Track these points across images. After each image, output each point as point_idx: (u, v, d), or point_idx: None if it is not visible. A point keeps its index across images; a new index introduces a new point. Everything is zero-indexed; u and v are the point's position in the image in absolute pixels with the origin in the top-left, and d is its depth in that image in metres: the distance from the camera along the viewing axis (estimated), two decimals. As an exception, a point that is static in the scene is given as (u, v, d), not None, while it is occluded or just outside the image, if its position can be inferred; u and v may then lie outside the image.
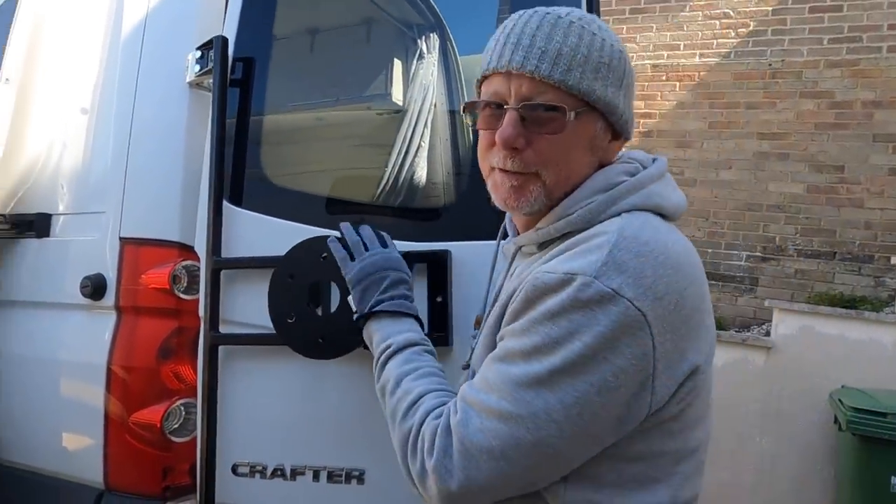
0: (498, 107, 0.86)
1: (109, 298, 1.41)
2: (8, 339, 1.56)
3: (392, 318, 1.03)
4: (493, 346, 0.86)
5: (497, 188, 0.89)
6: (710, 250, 4.30)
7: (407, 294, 1.07)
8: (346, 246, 1.11)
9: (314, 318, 1.20)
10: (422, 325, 1.06)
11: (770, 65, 4.24)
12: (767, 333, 3.65)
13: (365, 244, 1.10)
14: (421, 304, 1.20)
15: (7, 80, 1.54)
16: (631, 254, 0.76)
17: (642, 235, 0.79)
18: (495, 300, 0.95)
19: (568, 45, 0.82)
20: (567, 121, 0.83)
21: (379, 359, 0.99)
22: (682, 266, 0.79)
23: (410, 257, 1.20)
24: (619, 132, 0.90)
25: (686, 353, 0.78)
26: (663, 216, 0.86)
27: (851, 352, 3.32)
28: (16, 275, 1.59)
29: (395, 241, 1.17)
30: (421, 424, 0.85)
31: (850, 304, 3.69)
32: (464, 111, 0.93)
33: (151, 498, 1.37)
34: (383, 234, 1.15)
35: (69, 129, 1.58)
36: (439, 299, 1.22)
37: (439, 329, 1.22)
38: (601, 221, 0.83)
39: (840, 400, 2.91)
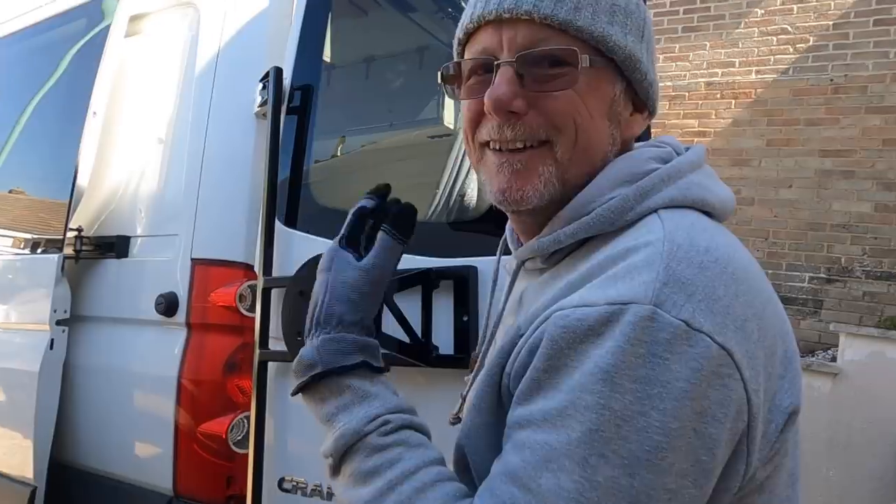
0: (487, 70, 0.65)
1: (181, 315, 1.50)
2: (90, 352, 1.68)
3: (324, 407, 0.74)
4: (491, 409, 0.63)
5: (492, 176, 0.66)
6: (769, 271, 4.15)
7: (332, 349, 0.74)
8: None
9: None
10: (368, 364, 0.73)
11: (832, 80, 4.10)
12: (833, 359, 3.49)
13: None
14: (447, 325, 1.19)
15: (95, 113, 1.68)
16: (693, 267, 0.54)
17: (698, 241, 0.57)
18: (493, 335, 0.75)
19: None
20: (579, 70, 0.63)
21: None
22: (753, 279, 0.59)
23: (434, 274, 1.18)
24: (642, 101, 0.70)
25: (777, 395, 0.59)
26: (708, 215, 0.65)
27: (927, 380, 3.15)
28: (98, 292, 1.72)
29: (434, 258, 1.12)
30: None
31: (924, 328, 3.49)
32: (442, 81, 0.71)
33: (216, 506, 1.44)
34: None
35: (147, 158, 1.70)
36: (465, 318, 1.18)
37: (461, 350, 1.19)
38: (628, 223, 0.62)
39: (915, 430, 2.75)
